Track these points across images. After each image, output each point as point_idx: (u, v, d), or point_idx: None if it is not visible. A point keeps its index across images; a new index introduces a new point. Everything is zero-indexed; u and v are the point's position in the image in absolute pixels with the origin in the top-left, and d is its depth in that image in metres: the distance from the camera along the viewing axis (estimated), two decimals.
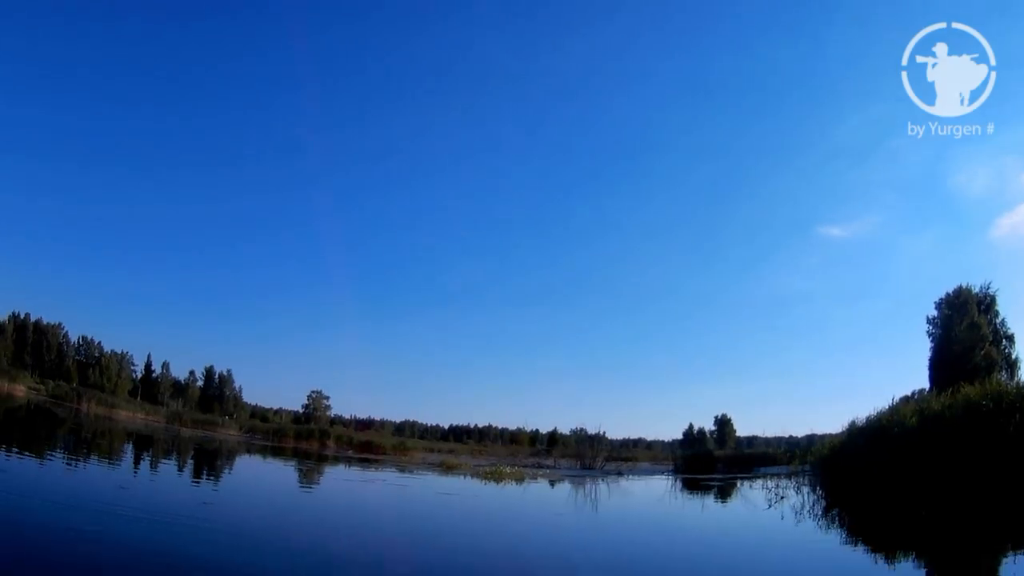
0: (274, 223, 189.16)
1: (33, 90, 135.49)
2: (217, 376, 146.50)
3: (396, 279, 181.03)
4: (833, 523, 26.48)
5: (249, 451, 60.67)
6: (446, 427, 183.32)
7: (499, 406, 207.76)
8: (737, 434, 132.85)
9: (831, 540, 22.27)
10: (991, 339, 51.94)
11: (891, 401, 40.44)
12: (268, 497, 29.71)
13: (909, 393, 47.05)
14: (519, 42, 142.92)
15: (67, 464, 26.93)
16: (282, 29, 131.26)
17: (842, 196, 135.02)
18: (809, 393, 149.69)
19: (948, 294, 54.00)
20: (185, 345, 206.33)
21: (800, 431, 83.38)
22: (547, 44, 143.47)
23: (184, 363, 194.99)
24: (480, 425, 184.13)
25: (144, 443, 49.24)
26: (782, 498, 34.27)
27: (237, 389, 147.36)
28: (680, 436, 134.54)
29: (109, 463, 30.95)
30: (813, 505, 30.71)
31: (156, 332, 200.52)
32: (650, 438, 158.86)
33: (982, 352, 49.95)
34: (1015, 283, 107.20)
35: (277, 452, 65.19)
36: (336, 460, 62.38)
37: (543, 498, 40.29)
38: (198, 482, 30.53)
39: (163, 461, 38.30)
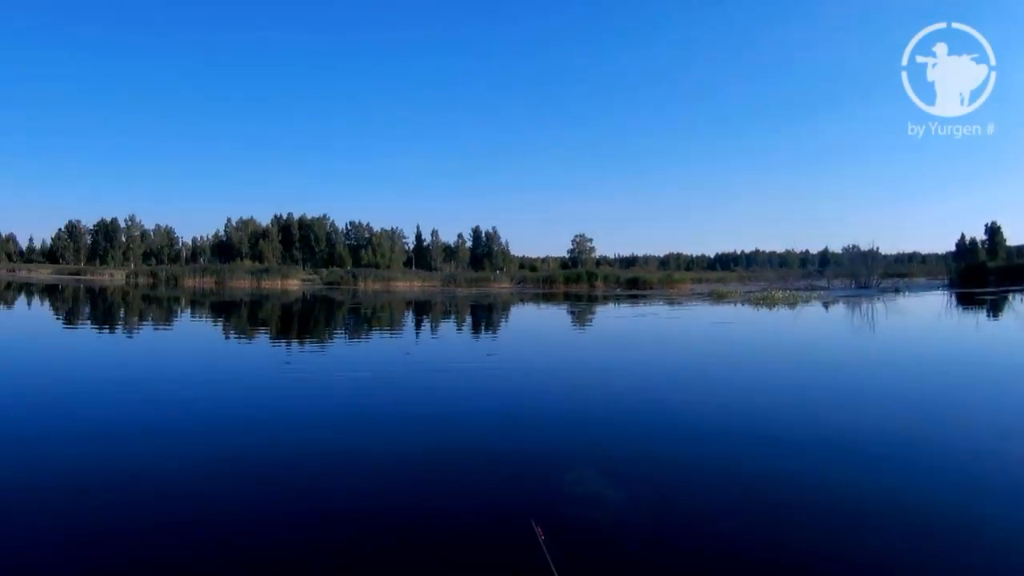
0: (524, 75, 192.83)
1: None
2: (484, 234, 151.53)
3: (646, 112, 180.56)
4: None
5: (522, 300, 61.83)
6: (712, 256, 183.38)
7: (765, 229, 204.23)
8: (1008, 243, 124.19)
9: None
10: None
11: None
12: (546, 340, 30.22)
13: None
14: None
15: (348, 342, 27.94)
16: None
17: None
18: None
19: None
20: (452, 211, 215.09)
21: None
22: None
23: (452, 227, 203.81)
24: (747, 251, 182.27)
25: (422, 309, 50.98)
26: None
27: (504, 244, 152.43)
28: (952, 248, 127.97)
29: (391, 333, 32.10)
30: None
31: (422, 204, 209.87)
32: (924, 251, 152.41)
33: None
34: None
35: (548, 298, 66.20)
36: (605, 299, 62.81)
37: (819, 321, 39.01)
38: (478, 336, 31.17)
39: (442, 322, 39.35)
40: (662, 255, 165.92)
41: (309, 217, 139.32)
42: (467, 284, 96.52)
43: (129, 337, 28.61)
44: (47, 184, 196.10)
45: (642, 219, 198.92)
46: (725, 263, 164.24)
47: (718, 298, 58.72)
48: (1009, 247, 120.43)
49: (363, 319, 40.32)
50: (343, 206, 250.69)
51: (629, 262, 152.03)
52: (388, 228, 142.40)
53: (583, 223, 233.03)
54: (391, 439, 11.08)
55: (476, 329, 35.01)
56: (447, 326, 36.66)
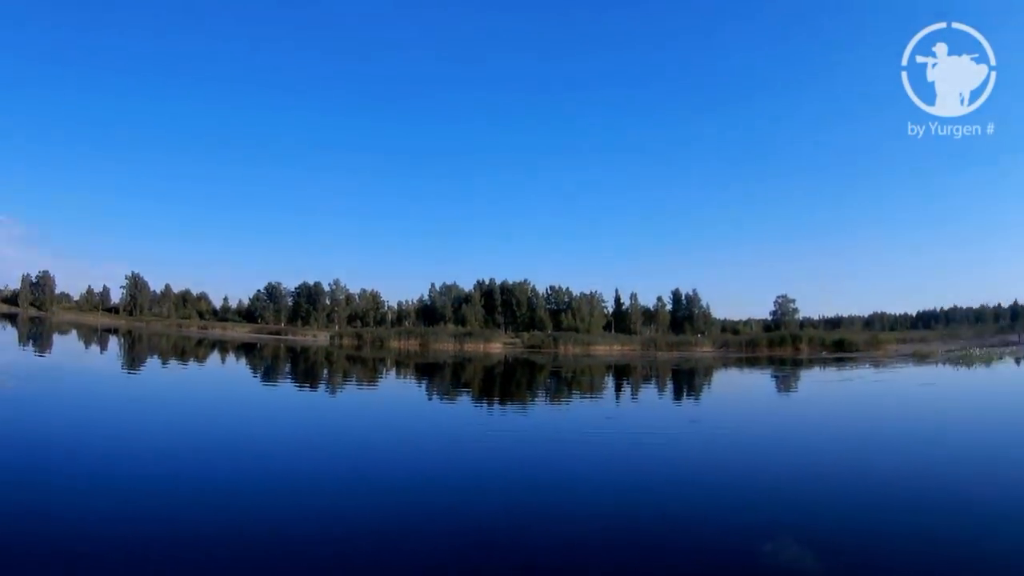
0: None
1: None
2: (684, 297, 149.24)
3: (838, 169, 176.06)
4: None
5: (725, 365, 60.31)
6: (914, 315, 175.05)
7: (960, 280, 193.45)
8: None
9: None
10: None
11: None
12: (750, 407, 29.40)
13: None
14: None
15: (553, 404, 28.11)
16: None
17: None
18: None
19: None
20: (651, 273, 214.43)
21: None
22: None
23: (652, 290, 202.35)
24: (945, 307, 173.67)
25: (623, 373, 50.20)
26: None
27: (705, 306, 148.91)
28: None
29: (592, 397, 31.96)
30: None
31: (621, 267, 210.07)
32: None
33: None
34: None
35: (751, 363, 64.25)
36: (810, 363, 60.86)
37: (1011, 379, 39.12)
38: (679, 402, 30.61)
39: (643, 387, 38.31)
40: (866, 315, 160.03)
41: (510, 282, 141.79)
42: (667, 348, 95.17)
43: (341, 393, 29.99)
44: (246, 248, 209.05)
45: (844, 277, 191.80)
46: (926, 321, 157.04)
47: (920, 359, 56.70)
48: None
49: (564, 382, 40.38)
50: (543, 270, 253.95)
51: (833, 323, 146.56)
52: (587, 292, 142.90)
53: (785, 283, 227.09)
54: (593, 502, 11.33)
55: (678, 395, 34.44)
56: (648, 392, 36.15)
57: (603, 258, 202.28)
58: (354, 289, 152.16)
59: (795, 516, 10.41)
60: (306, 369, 45.36)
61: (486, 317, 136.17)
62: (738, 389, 39.75)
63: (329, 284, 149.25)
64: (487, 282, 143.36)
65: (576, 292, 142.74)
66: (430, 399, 30.13)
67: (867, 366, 51.33)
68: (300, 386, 33.49)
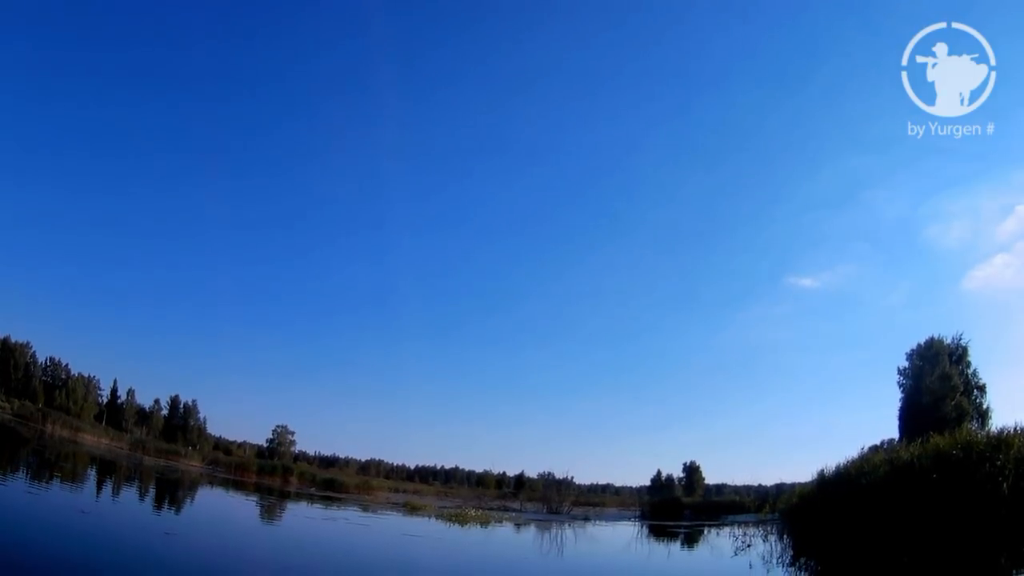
0: (245, 249, 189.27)
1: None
2: (182, 406, 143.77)
3: (359, 314, 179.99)
4: (801, 571, 26.27)
5: (211, 483, 59.61)
6: (412, 467, 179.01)
7: (466, 448, 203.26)
8: (706, 482, 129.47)
9: None
10: (962, 389, 50.85)
11: (861, 450, 40.13)
12: (230, 531, 28.85)
13: (879, 442, 46.24)
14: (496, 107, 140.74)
15: (29, 484, 26.41)
16: None
17: (815, 247, 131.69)
18: (780, 441, 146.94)
19: (919, 345, 52.99)
20: (152, 372, 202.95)
21: (770, 480, 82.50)
22: (520, 99, 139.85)
23: (150, 390, 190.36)
24: (447, 466, 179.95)
25: (107, 468, 48.34)
26: (749, 546, 34.10)
27: (201, 420, 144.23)
28: (648, 482, 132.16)
29: (72, 486, 30.38)
30: (781, 553, 30.30)
31: (123, 358, 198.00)
32: (618, 484, 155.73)
33: (952, 403, 49.12)
34: (987, 334, 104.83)
35: (239, 486, 63.76)
36: (298, 497, 61.77)
37: (508, 542, 39.58)
38: (160, 511, 29.83)
39: (126, 488, 37.32)
40: (363, 459, 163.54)
41: (13, 340, 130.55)
42: (156, 454, 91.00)
43: None
44: None
45: (348, 420, 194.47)
46: (424, 476, 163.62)
47: (412, 510, 58.15)
48: (708, 484, 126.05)
49: (46, 463, 37.94)
50: (48, 333, 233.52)
51: (329, 462, 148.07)
52: (85, 375, 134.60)
53: (287, 413, 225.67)
54: None
55: (160, 502, 33.50)
56: (130, 493, 35.11)
57: (108, 340, 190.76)
58: None
59: None
60: None
61: None
62: (220, 509, 39.49)
63: None
64: None
65: (75, 372, 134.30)
66: None
67: (355, 508, 52.44)
68: None
